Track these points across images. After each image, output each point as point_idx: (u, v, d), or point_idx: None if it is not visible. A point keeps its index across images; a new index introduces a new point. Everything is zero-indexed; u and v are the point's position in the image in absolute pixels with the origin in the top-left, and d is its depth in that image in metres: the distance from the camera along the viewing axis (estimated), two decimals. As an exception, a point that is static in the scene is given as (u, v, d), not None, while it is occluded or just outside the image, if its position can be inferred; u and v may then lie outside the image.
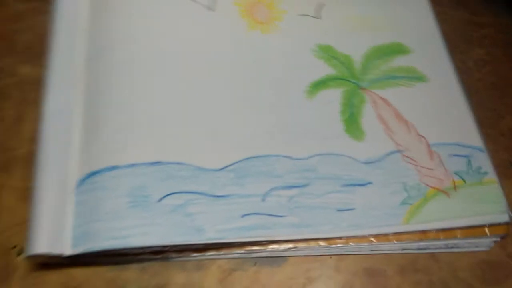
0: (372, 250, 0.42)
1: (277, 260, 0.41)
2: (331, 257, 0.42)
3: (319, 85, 0.48)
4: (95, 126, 0.43)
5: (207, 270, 0.40)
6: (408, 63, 0.50)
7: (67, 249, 0.37)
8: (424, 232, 0.42)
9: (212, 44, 0.49)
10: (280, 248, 0.41)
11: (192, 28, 0.49)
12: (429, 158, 0.45)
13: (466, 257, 0.43)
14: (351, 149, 0.45)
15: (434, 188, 0.43)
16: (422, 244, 0.42)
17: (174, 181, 0.41)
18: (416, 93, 0.48)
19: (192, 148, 0.43)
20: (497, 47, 0.54)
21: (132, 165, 0.41)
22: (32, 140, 0.43)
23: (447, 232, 0.42)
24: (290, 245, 0.41)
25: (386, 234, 0.42)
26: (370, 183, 0.43)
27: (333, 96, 0.48)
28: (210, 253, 0.40)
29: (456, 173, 0.44)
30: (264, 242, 0.41)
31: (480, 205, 0.43)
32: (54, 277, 0.39)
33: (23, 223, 0.40)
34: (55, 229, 0.38)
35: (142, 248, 0.38)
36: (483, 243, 0.43)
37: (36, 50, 0.48)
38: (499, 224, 0.43)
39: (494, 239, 0.43)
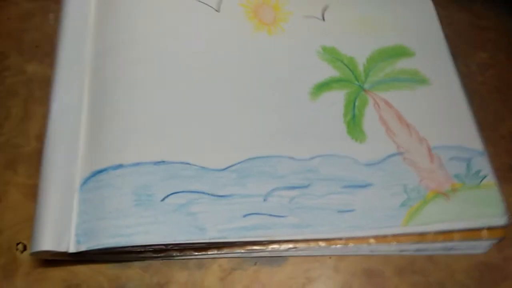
0: (371, 251, 0.42)
1: (277, 260, 0.42)
2: (330, 258, 0.42)
3: (322, 86, 0.48)
4: (101, 124, 0.43)
5: (208, 269, 0.41)
6: (411, 66, 0.50)
7: (72, 247, 0.38)
8: (422, 234, 0.42)
9: (217, 45, 0.49)
10: (281, 248, 0.41)
11: (198, 29, 0.50)
12: (429, 160, 0.45)
13: (463, 259, 0.43)
14: (353, 150, 0.45)
15: (433, 190, 0.44)
16: (420, 246, 0.42)
17: (177, 180, 0.42)
18: (418, 96, 0.49)
19: (196, 148, 0.43)
20: (500, 51, 0.54)
21: (137, 164, 0.42)
22: (38, 138, 0.44)
23: (445, 234, 0.42)
24: (290, 245, 0.41)
25: (385, 236, 0.42)
26: (370, 184, 0.44)
27: (336, 97, 0.48)
28: (211, 252, 0.41)
29: (456, 176, 0.45)
30: (264, 242, 0.41)
31: (479, 208, 0.43)
32: (58, 273, 0.40)
33: (28, 220, 0.40)
34: (59, 227, 0.39)
35: (144, 246, 0.39)
36: (481, 246, 0.43)
37: (44, 49, 0.49)
38: (497, 227, 0.43)
39: (492, 241, 0.43)
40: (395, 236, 0.42)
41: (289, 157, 0.44)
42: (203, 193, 0.42)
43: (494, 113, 0.50)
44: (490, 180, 0.45)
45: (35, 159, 0.43)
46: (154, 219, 0.40)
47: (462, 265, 0.43)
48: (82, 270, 0.40)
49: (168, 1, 0.50)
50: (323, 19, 0.52)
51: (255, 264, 0.41)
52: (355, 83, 0.49)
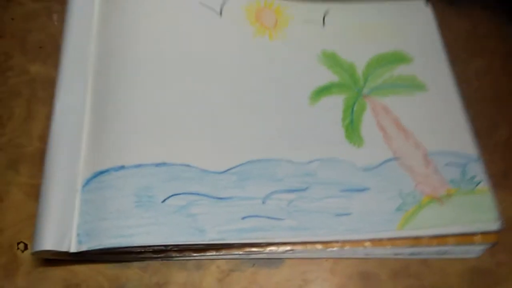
0: (366, 255, 0.43)
1: (274, 261, 0.42)
2: (327, 260, 0.43)
3: (322, 91, 0.49)
4: (103, 125, 0.44)
5: (206, 270, 0.41)
6: (409, 72, 0.51)
7: (73, 246, 0.39)
8: (417, 238, 0.43)
9: (219, 48, 0.50)
10: (278, 250, 0.42)
11: (200, 32, 0.50)
12: (425, 165, 0.46)
13: (457, 263, 0.43)
14: (351, 155, 0.46)
15: (429, 195, 0.44)
16: (415, 249, 0.43)
17: (178, 182, 0.42)
18: (415, 102, 0.49)
19: (197, 150, 0.44)
20: (497, 59, 0.54)
21: (139, 165, 0.42)
22: (41, 138, 0.44)
23: (440, 238, 0.43)
24: (288, 248, 0.42)
25: (381, 239, 0.43)
26: (367, 189, 0.44)
27: (335, 102, 0.48)
28: (210, 254, 0.41)
29: (451, 181, 0.45)
30: (262, 244, 0.42)
31: (472, 213, 0.44)
32: (58, 273, 0.40)
33: (29, 219, 0.41)
34: (61, 226, 0.39)
35: (145, 247, 0.40)
36: (474, 250, 0.44)
37: (47, 49, 0.49)
38: (490, 232, 0.43)
39: (485, 246, 0.44)
40: (390, 239, 0.43)
41: (288, 160, 0.45)
42: (203, 195, 0.42)
43: (489, 119, 0.50)
44: (484, 185, 0.45)
45: (38, 159, 0.43)
46: (155, 220, 0.40)
47: (456, 269, 0.43)
48: (82, 270, 0.40)
49: (172, 4, 0.51)
50: (324, 24, 0.53)
51: (253, 265, 0.42)
52: (354, 88, 0.49)
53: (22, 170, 0.44)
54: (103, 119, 0.44)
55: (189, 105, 0.46)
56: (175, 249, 0.41)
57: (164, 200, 0.41)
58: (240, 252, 0.42)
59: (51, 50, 0.49)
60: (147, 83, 0.46)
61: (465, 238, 0.43)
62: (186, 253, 0.41)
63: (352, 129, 0.47)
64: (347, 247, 0.42)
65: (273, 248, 0.42)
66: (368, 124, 0.48)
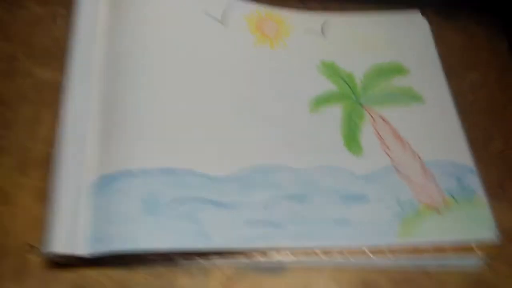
0: (367, 263, 0.43)
1: (277, 268, 0.42)
2: (329, 268, 0.43)
3: (321, 100, 0.50)
4: (110, 130, 0.44)
5: (210, 275, 0.42)
6: (405, 84, 0.52)
7: (82, 250, 0.39)
8: (415, 247, 0.43)
9: (222, 55, 0.50)
10: (280, 257, 0.42)
11: (204, 40, 0.51)
12: (422, 175, 0.47)
13: (458, 274, 0.44)
14: (350, 163, 0.47)
15: (426, 204, 0.45)
16: (413, 258, 0.43)
17: (183, 187, 0.43)
18: (412, 113, 0.50)
19: (201, 156, 0.45)
20: (491, 71, 0.55)
21: (145, 170, 0.43)
22: (48, 142, 0.44)
23: (438, 248, 0.43)
24: (290, 255, 0.42)
25: (380, 247, 0.43)
26: (366, 197, 0.45)
27: (335, 111, 0.49)
28: (214, 259, 0.42)
29: (447, 191, 0.46)
30: (265, 251, 0.42)
31: (469, 223, 0.44)
32: (67, 276, 0.40)
33: (38, 222, 0.41)
34: (70, 230, 0.39)
35: (151, 251, 0.40)
36: (472, 261, 0.44)
37: (53, 53, 0.49)
38: (488, 244, 0.44)
39: (482, 257, 0.44)
40: (389, 248, 0.43)
41: (289, 167, 0.46)
42: (208, 200, 0.43)
43: (484, 132, 0.51)
44: (481, 196, 0.46)
45: (45, 162, 0.43)
46: (161, 225, 0.41)
47: (455, 279, 0.44)
48: (90, 273, 0.40)
49: (177, 13, 0.52)
50: (323, 35, 0.54)
51: (256, 272, 0.42)
52: (352, 98, 0.50)
53: (30, 173, 0.44)
54: (110, 124, 0.45)
55: (193, 112, 0.47)
56: (181, 254, 0.41)
57: (169, 205, 0.42)
58: (243, 258, 0.42)
59: (56, 54, 0.48)
60: (153, 89, 0.47)
61: (462, 248, 0.44)
62: (191, 258, 0.42)
63: (351, 137, 0.48)
64: (348, 256, 0.43)
65: (275, 254, 0.42)
66: (366, 133, 0.49)
